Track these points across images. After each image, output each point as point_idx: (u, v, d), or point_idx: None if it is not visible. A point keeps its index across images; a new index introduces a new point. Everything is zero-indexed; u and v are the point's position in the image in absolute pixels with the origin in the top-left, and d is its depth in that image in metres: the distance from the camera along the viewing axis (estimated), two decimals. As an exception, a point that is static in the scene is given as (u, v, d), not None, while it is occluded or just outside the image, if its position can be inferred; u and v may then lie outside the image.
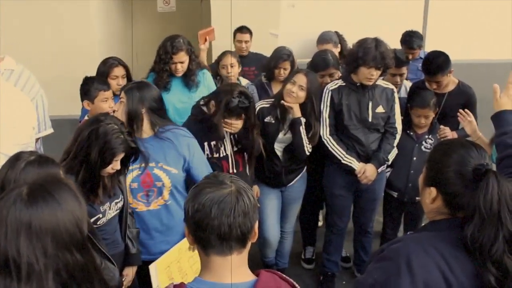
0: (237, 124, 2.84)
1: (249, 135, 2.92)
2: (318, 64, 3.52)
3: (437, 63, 3.51)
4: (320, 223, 4.24)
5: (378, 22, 4.73)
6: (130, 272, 2.50)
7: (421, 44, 4.49)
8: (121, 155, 2.16)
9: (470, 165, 1.42)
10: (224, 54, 4.03)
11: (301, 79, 3.10)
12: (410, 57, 4.43)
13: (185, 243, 2.54)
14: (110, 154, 2.10)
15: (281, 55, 3.59)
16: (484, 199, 1.34)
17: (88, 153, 2.08)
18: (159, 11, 6.11)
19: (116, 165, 2.16)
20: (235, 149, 2.99)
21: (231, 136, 2.96)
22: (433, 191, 1.48)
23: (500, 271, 1.34)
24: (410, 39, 4.40)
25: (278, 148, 3.25)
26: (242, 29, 4.62)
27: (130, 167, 2.40)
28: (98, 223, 2.21)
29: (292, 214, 3.55)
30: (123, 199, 2.35)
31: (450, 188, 1.44)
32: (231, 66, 3.93)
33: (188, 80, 3.49)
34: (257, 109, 3.20)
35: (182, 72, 3.45)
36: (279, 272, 1.43)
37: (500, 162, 1.81)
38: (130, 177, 2.48)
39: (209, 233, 1.26)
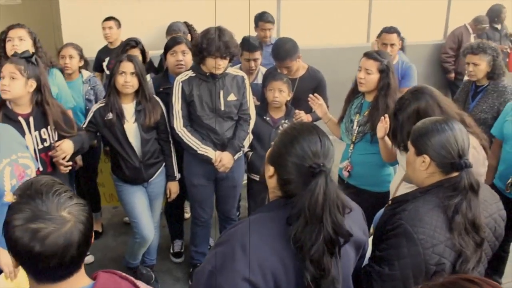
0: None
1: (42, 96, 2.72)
2: None
3: (285, 48, 3.65)
4: (187, 215, 4.21)
5: (230, 12, 4.83)
6: None
7: (272, 20, 4.84)
8: None
9: (308, 162, 1.44)
10: (65, 45, 3.92)
11: (127, 66, 3.05)
12: (268, 33, 4.75)
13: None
14: None
15: (129, 41, 3.52)
16: (309, 201, 1.37)
17: None
18: (2, 3, 5.60)
19: None
20: (41, 146, 2.75)
21: (39, 132, 2.74)
22: (271, 169, 1.52)
23: (319, 270, 1.39)
24: (262, 13, 4.84)
25: (134, 142, 3.17)
26: (108, 18, 4.64)
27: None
28: None
29: (156, 209, 3.48)
30: None
31: (286, 174, 1.48)
32: (70, 58, 3.82)
33: None
34: (93, 112, 3.14)
35: None
36: (118, 272, 1.38)
37: None
38: (7, 177, 2.29)
39: (49, 268, 1.18)
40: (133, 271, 3.44)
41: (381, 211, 2.02)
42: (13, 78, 2.62)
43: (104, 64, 4.56)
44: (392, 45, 4.21)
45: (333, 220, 1.40)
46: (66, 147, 2.77)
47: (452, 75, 6.55)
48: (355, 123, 3.12)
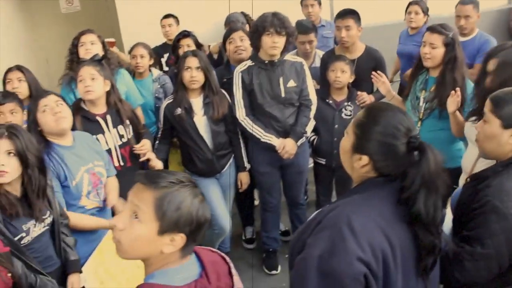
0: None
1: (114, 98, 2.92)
2: None
3: (349, 8, 3.68)
4: (256, 202, 4.27)
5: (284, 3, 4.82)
6: (75, 280, 2.31)
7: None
8: None
9: (402, 139, 1.43)
10: (135, 45, 4.05)
11: (192, 61, 3.12)
12: (310, 9, 4.66)
13: (105, 243, 2.48)
14: None
15: (181, 32, 3.71)
16: (427, 173, 1.37)
17: None
18: (63, 12, 5.84)
19: None
20: (120, 142, 2.92)
21: (116, 129, 2.90)
22: (364, 158, 1.46)
23: (437, 235, 1.43)
24: None
25: (205, 134, 3.24)
26: (167, 16, 4.79)
27: (80, 174, 2.47)
28: (22, 242, 2.08)
29: (229, 199, 3.55)
30: (51, 215, 2.24)
31: (381, 157, 1.45)
32: (141, 57, 3.94)
33: None
34: (163, 109, 3.23)
35: None
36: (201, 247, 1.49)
37: None
38: (85, 183, 2.51)
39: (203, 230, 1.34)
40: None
41: (459, 189, 1.97)
42: (93, 79, 2.78)
43: (163, 60, 4.67)
44: (466, 17, 4.00)
45: (446, 184, 1.41)
46: (148, 145, 3.04)
47: (526, 41, 6.17)
48: (422, 100, 3.03)
